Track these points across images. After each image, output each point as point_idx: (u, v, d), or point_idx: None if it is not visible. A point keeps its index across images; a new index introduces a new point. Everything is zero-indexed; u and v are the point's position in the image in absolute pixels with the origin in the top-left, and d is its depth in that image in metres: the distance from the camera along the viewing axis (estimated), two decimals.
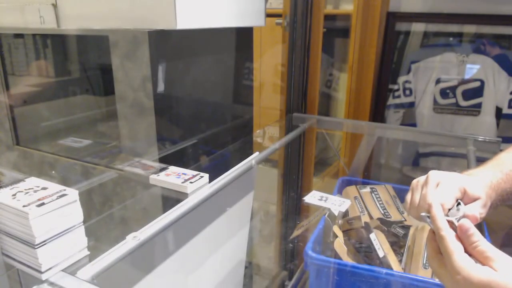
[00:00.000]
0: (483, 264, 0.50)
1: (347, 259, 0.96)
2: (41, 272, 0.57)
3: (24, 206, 0.56)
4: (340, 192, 1.33)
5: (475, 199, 0.61)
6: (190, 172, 0.88)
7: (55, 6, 0.98)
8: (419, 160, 1.79)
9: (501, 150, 0.73)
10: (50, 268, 0.58)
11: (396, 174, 1.84)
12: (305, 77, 1.52)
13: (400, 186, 1.32)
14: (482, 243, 0.52)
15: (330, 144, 1.90)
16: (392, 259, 0.97)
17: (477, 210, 0.59)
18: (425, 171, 0.65)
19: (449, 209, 0.59)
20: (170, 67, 0.97)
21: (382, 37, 1.76)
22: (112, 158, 1.08)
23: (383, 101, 1.84)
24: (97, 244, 0.67)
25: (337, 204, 1.01)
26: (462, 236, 0.53)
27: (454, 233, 0.54)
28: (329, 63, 2.09)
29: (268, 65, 1.87)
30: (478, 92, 1.67)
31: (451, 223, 0.55)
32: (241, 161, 0.99)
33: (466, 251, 0.52)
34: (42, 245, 0.57)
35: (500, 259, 0.50)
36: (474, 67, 1.67)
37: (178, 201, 0.79)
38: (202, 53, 1.08)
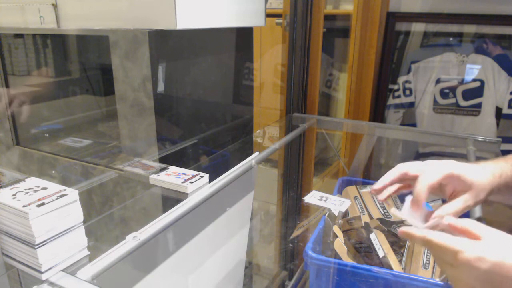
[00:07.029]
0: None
1: (347, 259, 0.96)
2: (41, 272, 0.57)
3: (24, 206, 0.56)
4: (340, 192, 1.33)
5: (468, 184, 0.63)
6: (190, 172, 0.88)
7: (55, 6, 0.98)
8: (419, 160, 1.78)
9: (501, 150, 0.74)
10: (50, 268, 0.58)
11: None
12: (305, 77, 1.52)
13: None
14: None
15: (330, 144, 1.90)
16: (392, 259, 0.97)
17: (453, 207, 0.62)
18: None
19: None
20: (170, 67, 0.97)
21: (382, 37, 1.76)
22: (112, 158, 1.08)
23: (383, 101, 1.83)
24: (97, 244, 0.67)
25: (337, 204, 1.01)
26: None
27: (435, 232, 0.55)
28: (329, 63, 2.09)
29: (268, 65, 1.87)
30: (478, 92, 1.67)
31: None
32: (241, 161, 0.99)
33: None
34: (42, 245, 0.57)
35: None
36: (474, 67, 1.67)
37: (178, 201, 0.79)
38: (202, 53, 1.08)
